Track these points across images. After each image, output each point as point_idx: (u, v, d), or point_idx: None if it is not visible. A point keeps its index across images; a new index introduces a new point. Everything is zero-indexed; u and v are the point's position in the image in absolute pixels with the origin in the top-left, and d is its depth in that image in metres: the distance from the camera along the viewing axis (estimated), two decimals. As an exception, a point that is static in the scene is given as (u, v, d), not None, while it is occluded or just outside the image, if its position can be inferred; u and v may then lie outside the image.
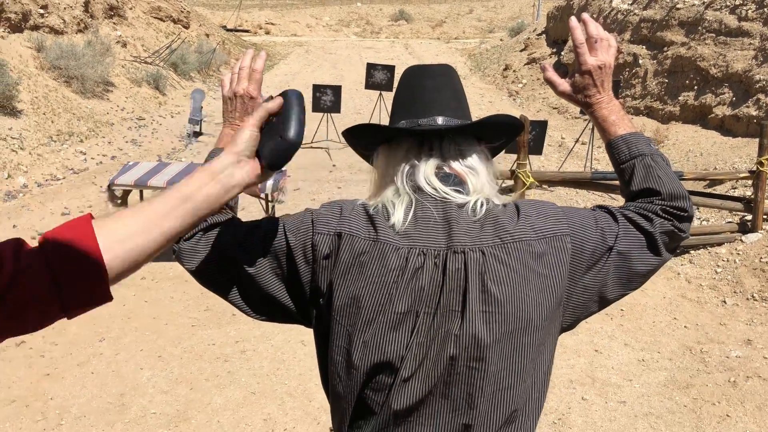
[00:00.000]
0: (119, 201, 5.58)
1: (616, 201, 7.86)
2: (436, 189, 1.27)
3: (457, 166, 1.31)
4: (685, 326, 5.00)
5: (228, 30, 28.00)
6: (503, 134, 1.40)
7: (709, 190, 7.43)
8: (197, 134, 10.63)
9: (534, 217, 1.29)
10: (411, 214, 1.25)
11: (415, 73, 1.42)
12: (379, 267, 1.23)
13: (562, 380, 4.24)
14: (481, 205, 1.27)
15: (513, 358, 1.24)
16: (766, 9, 9.52)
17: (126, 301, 5.19)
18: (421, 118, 1.34)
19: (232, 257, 1.30)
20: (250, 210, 7.11)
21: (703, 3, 10.74)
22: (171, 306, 5.14)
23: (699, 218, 7.05)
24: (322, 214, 1.30)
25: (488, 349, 1.22)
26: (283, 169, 6.13)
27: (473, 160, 1.33)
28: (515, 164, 6.07)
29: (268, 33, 30.82)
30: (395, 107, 1.42)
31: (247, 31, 30.43)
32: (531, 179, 5.84)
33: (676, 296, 5.49)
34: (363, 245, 1.24)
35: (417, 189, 1.28)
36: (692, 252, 6.17)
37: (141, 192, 5.96)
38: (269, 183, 5.54)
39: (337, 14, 36.09)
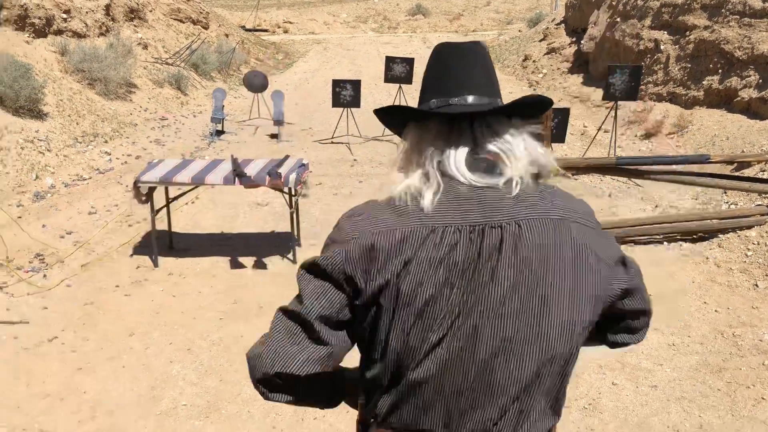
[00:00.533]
0: (144, 198, 5.63)
1: (641, 187, 7.78)
2: (466, 177, 1.28)
3: (491, 147, 1.31)
4: (715, 310, 4.93)
5: (247, 30, 28.13)
6: (533, 110, 1.40)
7: (737, 174, 7.32)
8: (219, 133, 10.70)
9: (575, 203, 1.38)
10: (440, 194, 1.27)
11: (447, 49, 1.41)
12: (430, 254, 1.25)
13: (591, 366, 4.20)
14: (516, 184, 1.28)
15: (540, 326, 1.27)
16: (791, -11, 9.34)
17: (154, 297, 5.25)
18: (453, 96, 1.34)
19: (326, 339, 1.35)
20: (273, 205, 7.15)
21: (726, -15, 10.56)
22: (199, 300, 5.19)
23: (727, 202, 6.94)
24: (348, 260, 1.29)
25: (513, 317, 1.25)
26: (305, 162, 6.15)
27: (508, 138, 1.32)
28: (538, 152, 6.03)
29: (286, 32, 30.91)
30: (426, 83, 1.42)
31: (265, 30, 30.55)
32: (555, 166, 5.79)
33: (705, 281, 5.41)
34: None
35: (446, 174, 1.29)
36: (721, 236, 6.08)
37: (166, 189, 6.01)
38: (292, 176, 5.56)
39: (354, 11, 36.09)
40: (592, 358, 4.21)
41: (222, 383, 4.08)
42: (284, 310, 1.36)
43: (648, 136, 9.99)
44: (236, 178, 5.48)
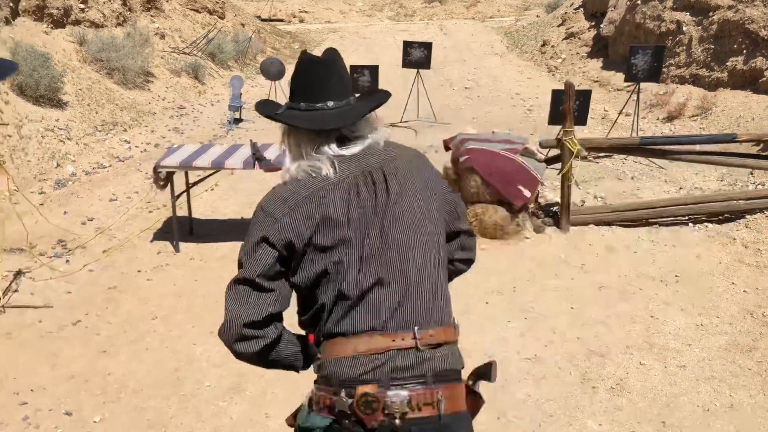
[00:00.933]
0: (163, 183, 5.63)
1: (665, 170, 7.66)
2: (343, 153, 1.80)
3: (356, 133, 1.83)
4: (744, 291, 4.84)
5: (263, 20, 28.09)
6: (378, 106, 1.90)
7: (764, 153, 7.18)
8: (237, 121, 10.70)
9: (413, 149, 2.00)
10: (333, 164, 1.77)
11: (310, 61, 1.85)
12: (334, 198, 1.76)
13: (618, 346, 4.15)
14: (380, 144, 1.86)
15: (421, 216, 1.83)
16: (818, -34, 9.13)
17: (176, 281, 5.25)
18: (317, 102, 1.81)
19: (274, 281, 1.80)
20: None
21: (750, -36, 10.34)
22: (221, 284, 5.13)
23: (754, 182, 6.82)
24: (279, 225, 1.76)
25: (407, 209, 1.81)
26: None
27: (363, 128, 1.84)
28: (561, 132, 5.94)
29: (302, 21, 30.83)
30: (294, 89, 1.86)
31: (281, 20, 30.49)
32: (578, 146, 5.71)
33: (733, 261, 5.32)
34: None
35: (327, 155, 1.79)
36: (748, 217, 5.97)
37: (186, 174, 6.01)
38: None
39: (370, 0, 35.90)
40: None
41: (245, 365, 4.05)
42: (232, 282, 1.79)
43: (670, 118, 9.83)
44: (255, 162, 5.46)
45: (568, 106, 5.68)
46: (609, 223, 6.07)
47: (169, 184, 5.64)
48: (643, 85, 10.33)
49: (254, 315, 1.75)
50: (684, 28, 11.46)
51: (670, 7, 12.08)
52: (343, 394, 1.70)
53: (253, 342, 1.79)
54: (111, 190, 7.25)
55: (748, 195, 6.05)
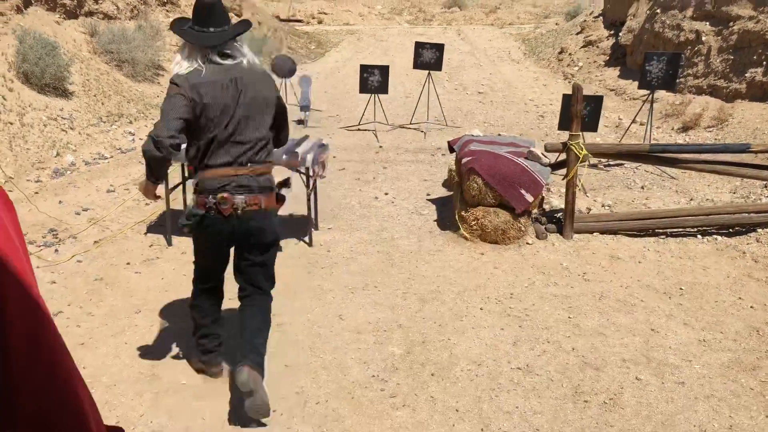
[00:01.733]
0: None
1: (676, 180, 7.44)
2: (220, 62, 3.22)
3: (228, 51, 3.24)
4: (751, 306, 4.62)
5: (281, 20, 28.07)
6: (242, 31, 3.28)
7: (778, 167, 6.94)
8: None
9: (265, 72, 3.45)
10: (211, 67, 3.20)
11: (200, 2, 3.24)
12: (212, 88, 3.18)
13: (614, 359, 3.95)
14: (245, 62, 3.28)
15: (260, 105, 3.32)
16: (843, -24, 8.86)
17: (165, 275, 5.13)
18: (204, 27, 3.22)
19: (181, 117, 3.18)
20: (293, 187, 6.99)
21: (774, -26, 10.09)
22: (209, 280, 5.03)
23: (767, 196, 6.58)
24: (184, 88, 3.17)
25: (252, 104, 3.28)
26: (324, 143, 5.97)
27: (234, 50, 3.26)
28: (568, 137, 5.75)
29: (320, 22, 30.79)
30: (192, 17, 3.27)
31: (300, 21, 30.46)
32: (584, 151, 5.52)
33: (741, 275, 5.10)
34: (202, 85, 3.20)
35: (212, 62, 3.22)
36: (759, 230, 5.74)
37: (182, 167, 5.87)
38: (309, 156, 5.38)
39: (390, 3, 35.77)
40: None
41: (225, 363, 3.91)
42: (161, 112, 3.18)
43: (685, 129, 9.59)
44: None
45: (576, 109, 5.49)
46: (614, 232, 5.87)
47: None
48: (659, 94, 10.11)
49: (166, 132, 3.07)
50: (703, 38, 11.21)
51: (690, 17, 11.83)
52: (210, 197, 3.24)
53: (158, 150, 3.09)
54: (110, 181, 7.15)
55: (760, 208, 5.83)
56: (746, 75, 9.84)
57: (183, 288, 4.88)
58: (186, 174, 6.02)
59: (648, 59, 8.27)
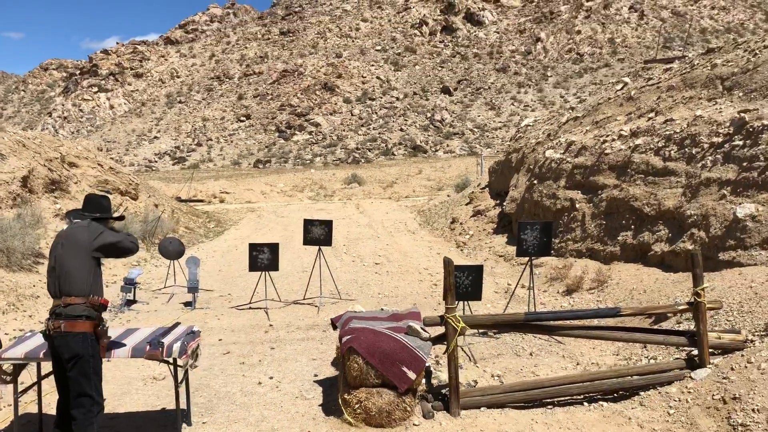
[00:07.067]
0: (9, 378, 5.01)
1: (563, 345, 7.50)
2: (76, 222, 4.91)
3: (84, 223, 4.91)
4: (639, 478, 4.47)
5: (182, 200, 28.26)
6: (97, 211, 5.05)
7: (655, 327, 7.15)
8: (131, 302, 10.13)
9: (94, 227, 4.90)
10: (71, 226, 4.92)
11: (87, 197, 5.13)
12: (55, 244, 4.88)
13: None
14: (87, 223, 4.89)
15: (74, 261, 4.71)
16: (686, 149, 9.82)
17: None
18: (83, 213, 4.99)
19: None
20: (171, 379, 6.53)
21: (630, 147, 11.10)
22: None
23: (647, 356, 6.69)
24: None
25: (64, 255, 4.72)
26: (195, 329, 5.67)
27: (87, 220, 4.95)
28: (445, 310, 5.73)
29: (222, 201, 31.18)
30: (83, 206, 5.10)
31: (201, 200, 30.77)
32: (461, 324, 5.48)
33: (627, 444, 4.99)
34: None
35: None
36: (642, 393, 5.75)
37: (39, 364, 5.38)
38: (176, 345, 5.07)
39: (292, 181, 36.95)
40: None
41: None
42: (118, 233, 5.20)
43: (569, 292, 9.90)
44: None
45: (448, 282, 5.53)
46: (502, 405, 5.72)
47: (14, 379, 5.01)
48: (543, 258, 10.51)
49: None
50: (577, 206, 11.97)
51: (564, 186, 12.69)
52: (47, 320, 4.63)
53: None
54: (-39, 385, 6.45)
55: (640, 370, 5.88)
56: (618, 238, 10.44)
57: None
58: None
59: (522, 229, 8.63)
